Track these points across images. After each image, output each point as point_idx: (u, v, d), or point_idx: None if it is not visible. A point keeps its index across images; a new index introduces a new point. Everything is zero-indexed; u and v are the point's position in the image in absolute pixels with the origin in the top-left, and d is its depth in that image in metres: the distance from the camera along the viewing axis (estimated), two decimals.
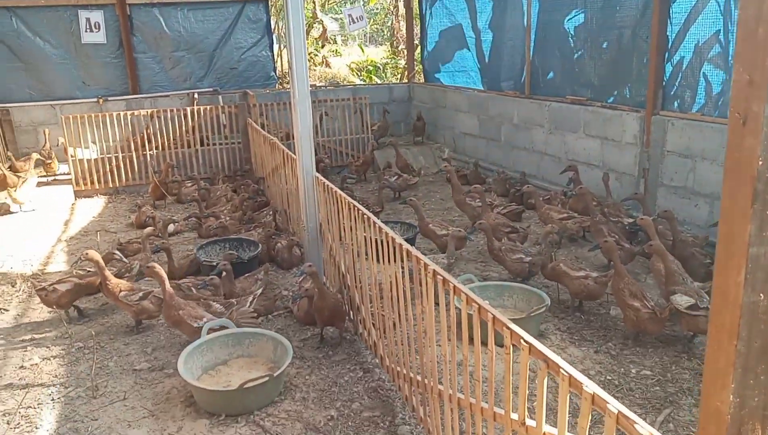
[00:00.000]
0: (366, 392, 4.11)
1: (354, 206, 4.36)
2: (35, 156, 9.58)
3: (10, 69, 10.62)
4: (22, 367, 4.57)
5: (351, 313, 4.81)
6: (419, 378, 3.49)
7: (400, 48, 22.46)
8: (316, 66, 22.07)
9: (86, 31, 10.63)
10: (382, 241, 3.85)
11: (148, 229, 6.50)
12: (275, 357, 4.30)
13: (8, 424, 3.88)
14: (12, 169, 9.66)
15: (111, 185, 9.66)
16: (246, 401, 3.84)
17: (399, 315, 3.73)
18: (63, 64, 10.91)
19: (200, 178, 9.41)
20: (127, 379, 4.37)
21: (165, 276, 4.71)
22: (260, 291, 5.33)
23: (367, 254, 4.26)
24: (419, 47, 13.26)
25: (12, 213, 8.42)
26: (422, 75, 13.16)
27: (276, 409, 3.92)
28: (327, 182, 5.10)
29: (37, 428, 3.82)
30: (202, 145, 10.11)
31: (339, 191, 4.74)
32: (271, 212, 7.59)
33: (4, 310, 5.60)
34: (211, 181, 9.58)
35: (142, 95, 11.20)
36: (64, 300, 5.11)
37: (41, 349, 4.84)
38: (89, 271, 5.46)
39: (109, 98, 10.88)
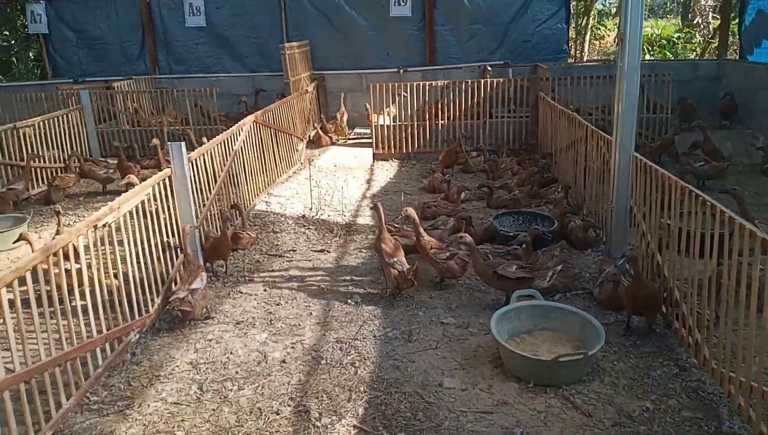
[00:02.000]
0: (684, 390, 3.83)
1: (690, 191, 4.03)
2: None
3: (329, 40, 11.99)
4: (346, 303, 5.20)
5: (664, 306, 4.51)
6: (765, 389, 3.13)
7: (695, 21, 20.21)
8: (596, 40, 21.04)
9: (395, 5, 11.50)
10: (731, 233, 3.49)
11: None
12: (581, 336, 4.23)
13: (341, 350, 4.45)
14: (323, 129, 10.99)
15: (404, 151, 10.39)
16: (558, 374, 3.86)
17: (742, 316, 3.37)
18: (372, 36, 11.97)
19: (486, 150, 9.65)
20: (436, 330, 4.70)
21: (473, 243, 4.98)
22: (559, 267, 5.29)
23: (691, 247, 3.92)
24: (736, 20, 11.71)
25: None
26: (737, 51, 11.64)
27: (585, 388, 3.87)
28: (650, 163, 4.80)
29: (364, 359, 4.32)
30: (490, 117, 10.30)
31: (667, 174, 4.42)
32: (560, 189, 7.46)
33: (327, 251, 6.42)
34: (495, 153, 9.73)
35: (437, 66, 11.79)
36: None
37: (359, 289, 5.44)
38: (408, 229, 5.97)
39: (408, 69, 11.67)
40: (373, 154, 10.44)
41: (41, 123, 9.41)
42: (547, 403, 3.74)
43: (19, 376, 3.23)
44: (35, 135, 9.23)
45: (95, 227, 4.14)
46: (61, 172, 9.39)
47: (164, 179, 5.24)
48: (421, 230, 5.41)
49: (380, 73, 11.68)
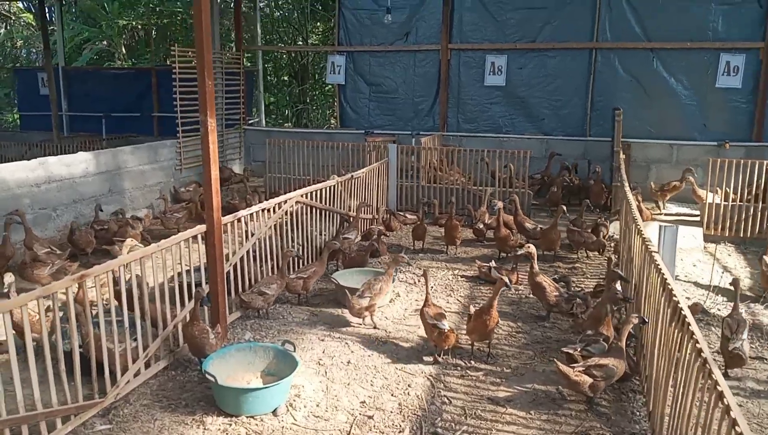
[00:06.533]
0: None
1: None
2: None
3: (637, 107, 11.17)
4: None
5: None
6: None
7: None
8: None
9: (723, 75, 10.46)
10: None
11: None
12: None
13: None
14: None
15: (741, 235, 9.14)
16: None
17: None
18: (688, 106, 10.98)
19: None
20: None
21: None
22: None
23: None
24: None
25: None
26: None
27: None
28: None
29: None
30: None
31: None
32: None
33: None
34: None
35: (765, 143, 10.48)
36: None
37: None
38: None
39: (731, 143, 10.48)
40: (704, 235, 9.29)
41: (364, 174, 9.43)
42: None
43: None
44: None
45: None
46: (369, 224, 9.32)
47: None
48: None
49: (695, 146, 10.61)
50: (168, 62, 12.99)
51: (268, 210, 6.81)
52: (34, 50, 25.11)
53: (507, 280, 5.02)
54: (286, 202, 7.14)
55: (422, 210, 8.94)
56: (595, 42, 11.23)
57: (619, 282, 5.54)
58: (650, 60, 10.98)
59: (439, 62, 12.21)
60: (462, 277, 7.62)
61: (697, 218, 9.64)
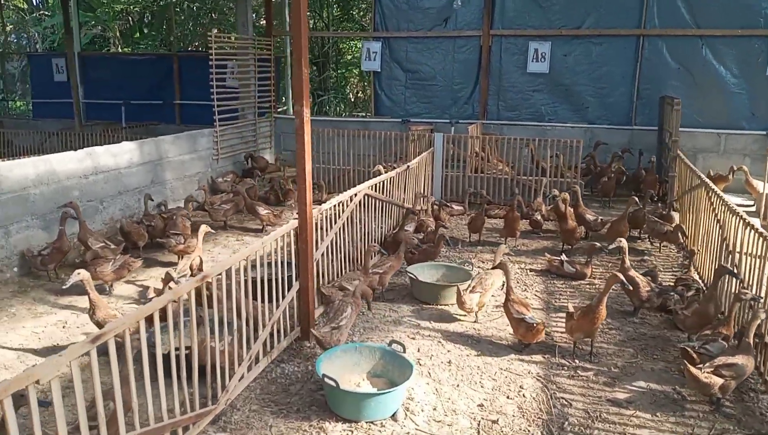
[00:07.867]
0: None
1: None
2: None
3: (685, 95, 10.95)
4: None
5: None
6: None
7: None
8: None
9: None
10: None
11: None
12: None
13: None
14: None
15: None
16: None
17: None
18: (737, 94, 10.81)
19: None
20: None
21: None
22: None
23: None
24: None
25: None
26: None
27: None
28: None
29: None
30: None
31: None
32: None
33: None
34: None
35: None
36: None
37: None
38: None
39: None
40: (761, 226, 9.16)
41: (416, 165, 9.20)
42: None
43: None
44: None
45: None
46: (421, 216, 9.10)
47: None
48: None
49: (743, 135, 10.47)
50: (165, 48, 12.55)
51: (341, 203, 6.59)
52: (25, 35, 24.40)
53: (622, 277, 4.85)
54: (356, 195, 6.92)
55: (480, 201, 8.68)
56: (643, 29, 11.04)
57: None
58: (699, 47, 10.80)
59: (479, 48, 11.96)
60: (531, 270, 7.44)
61: (751, 209, 9.51)
